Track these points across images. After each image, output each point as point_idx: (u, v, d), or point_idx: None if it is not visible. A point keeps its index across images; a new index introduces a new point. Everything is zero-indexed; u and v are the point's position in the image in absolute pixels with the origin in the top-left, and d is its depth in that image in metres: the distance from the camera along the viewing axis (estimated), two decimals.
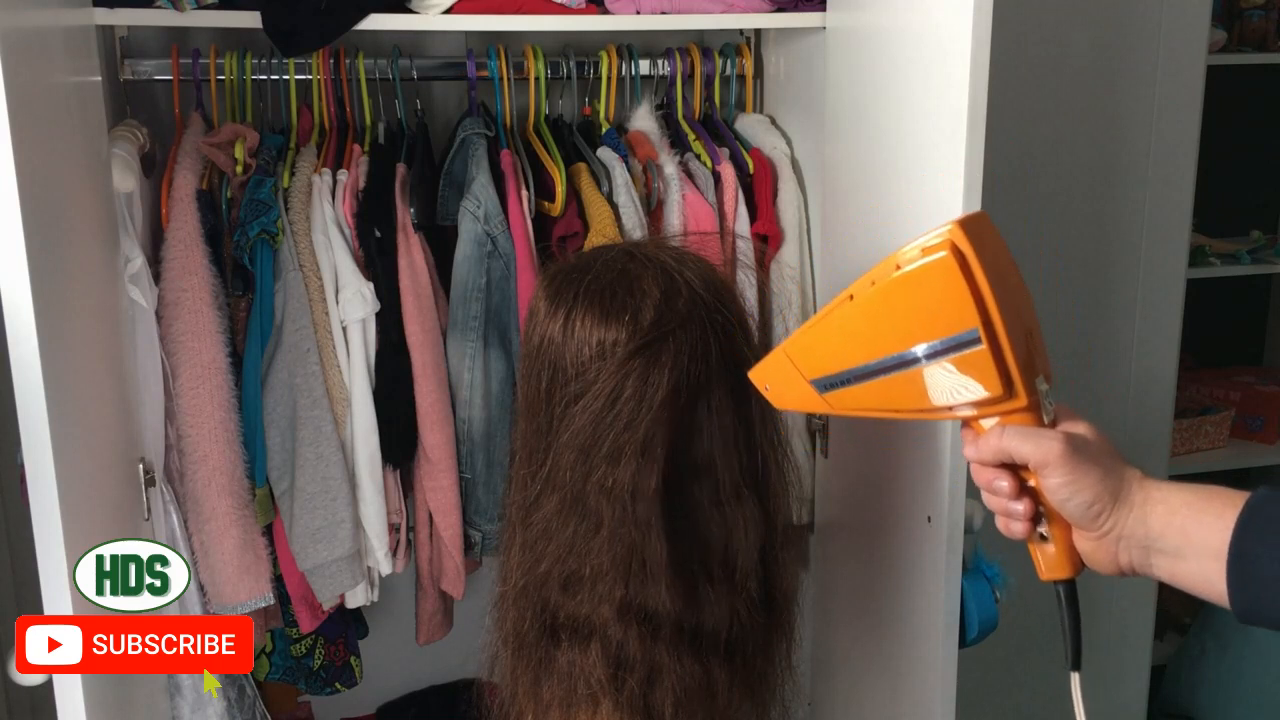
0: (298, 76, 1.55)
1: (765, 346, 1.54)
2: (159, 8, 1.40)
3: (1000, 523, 0.79)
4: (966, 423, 0.78)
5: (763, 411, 0.93)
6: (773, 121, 1.69)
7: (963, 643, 1.25)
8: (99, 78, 1.37)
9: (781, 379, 0.83)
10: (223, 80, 1.54)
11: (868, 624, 1.44)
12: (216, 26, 1.44)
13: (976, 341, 0.71)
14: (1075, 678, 0.79)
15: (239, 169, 1.44)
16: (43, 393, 0.94)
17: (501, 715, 0.96)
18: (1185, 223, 2.06)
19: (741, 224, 1.56)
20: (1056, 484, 0.74)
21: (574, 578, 0.89)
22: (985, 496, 0.79)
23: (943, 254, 0.70)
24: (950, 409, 0.76)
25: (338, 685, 1.66)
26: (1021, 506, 0.77)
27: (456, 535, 1.51)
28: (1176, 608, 2.49)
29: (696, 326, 0.88)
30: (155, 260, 1.40)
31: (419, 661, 1.90)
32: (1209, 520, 0.72)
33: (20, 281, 0.92)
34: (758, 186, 1.58)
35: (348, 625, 1.65)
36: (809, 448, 1.55)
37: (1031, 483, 0.76)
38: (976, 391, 0.74)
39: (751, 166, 1.58)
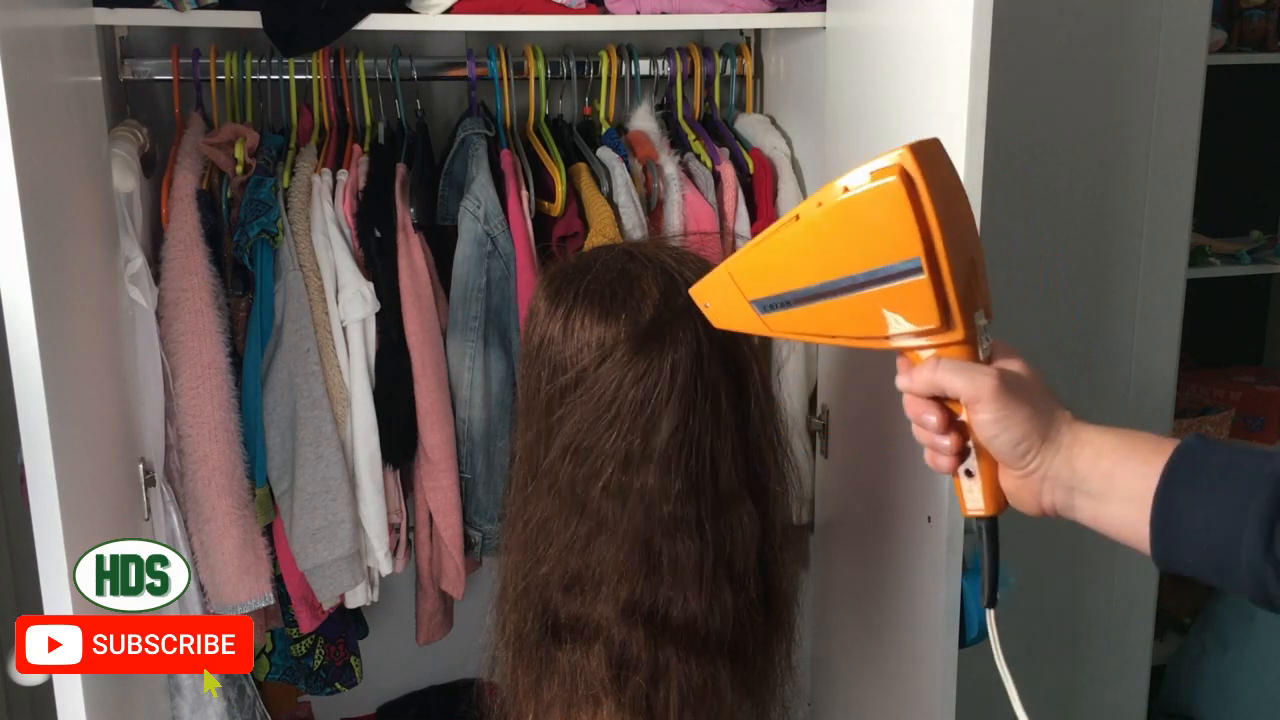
0: (298, 76, 1.55)
1: (765, 346, 1.54)
2: (159, 8, 1.40)
3: (927, 455, 0.79)
4: (902, 352, 0.77)
5: (762, 411, 0.93)
6: (773, 121, 1.69)
7: (963, 643, 1.25)
8: (99, 78, 1.37)
9: (722, 297, 0.82)
10: (223, 80, 1.54)
11: (868, 624, 1.44)
12: (216, 26, 1.44)
13: (918, 271, 0.70)
14: (990, 615, 0.79)
15: (239, 169, 1.44)
16: (43, 393, 0.94)
17: (502, 715, 0.96)
18: (1185, 223, 2.06)
19: (741, 224, 1.56)
20: (986, 420, 0.74)
21: (575, 578, 0.89)
22: (915, 429, 0.78)
23: (891, 179, 0.69)
24: (887, 338, 0.75)
25: (338, 685, 1.66)
26: (949, 441, 0.76)
27: (456, 535, 1.52)
28: (1177, 608, 2.49)
29: (696, 326, 0.88)
30: (155, 260, 1.40)
31: (419, 661, 1.90)
32: (1135, 465, 0.71)
33: (20, 281, 0.92)
34: (758, 186, 1.58)
35: (348, 625, 1.65)
36: (809, 448, 1.55)
37: (962, 417, 0.76)
38: (914, 321, 0.73)
39: (751, 166, 1.59)
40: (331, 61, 1.55)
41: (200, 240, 1.39)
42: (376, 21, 1.45)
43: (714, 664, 0.89)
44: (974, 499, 0.78)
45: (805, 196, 1.59)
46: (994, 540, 0.79)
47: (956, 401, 0.75)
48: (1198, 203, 2.05)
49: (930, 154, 0.71)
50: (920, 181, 0.69)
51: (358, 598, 1.52)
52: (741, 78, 1.69)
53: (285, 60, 1.53)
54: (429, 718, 1.98)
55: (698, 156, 1.60)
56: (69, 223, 1.12)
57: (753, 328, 0.81)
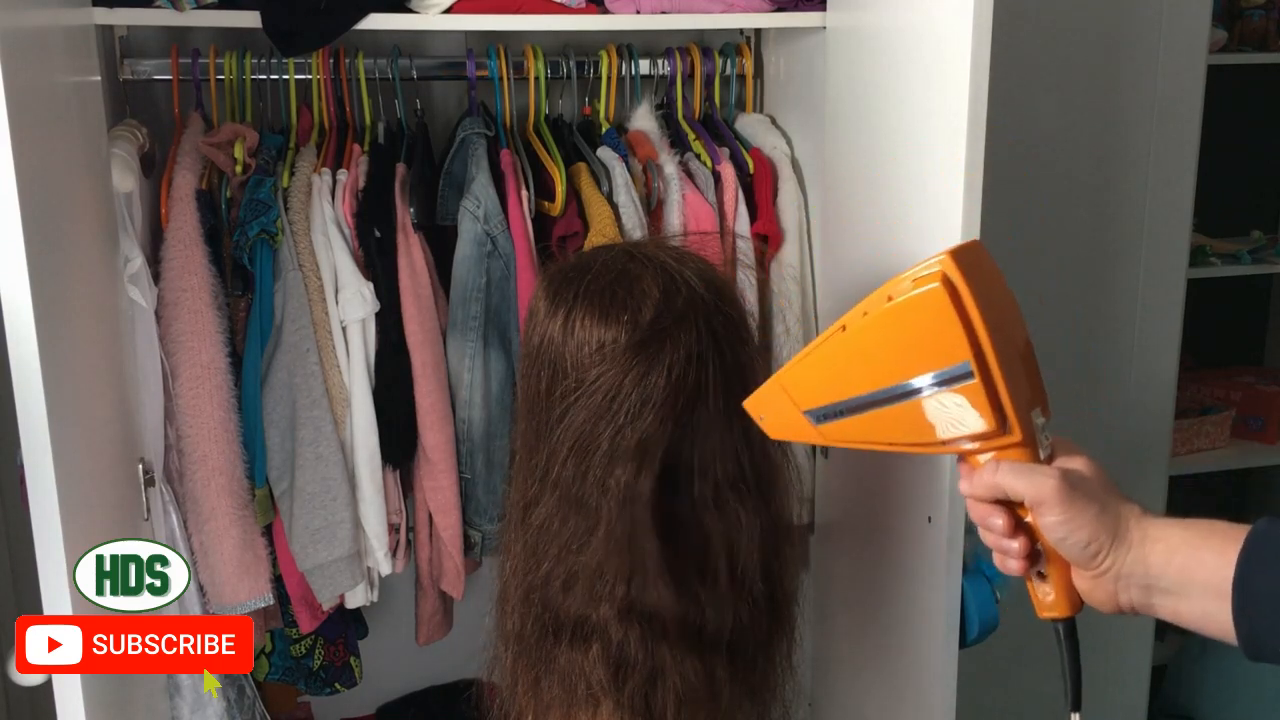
0: (297, 76, 1.55)
1: (765, 346, 1.54)
2: (159, 7, 1.40)
3: (997, 559, 0.77)
4: (963, 457, 0.77)
5: None
6: (773, 121, 1.69)
7: (963, 643, 1.25)
8: (99, 77, 1.37)
9: (776, 409, 0.82)
10: (222, 80, 1.54)
11: (868, 624, 1.44)
12: (216, 26, 1.44)
13: (969, 375, 0.70)
14: (1075, 719, 0.78)
15: (238, 169, 1.44)
16: (42, 393, 0.94)
17: (501, 715, 0.96)
18: (1185, 223, 2.06)
19: (741, 224, 1.56)
20: (1052, 522, 0.73)
21: (575, 577, 0.89)
22: (981, 532, 0.77)
23: (934, 285, 0.69)
24: (944, 443, 0.75)
25: (337, 685, 1.66)
26: (1017, 544, 0.75)
27: (456, 535, 1.51)
28: None
29: (696, 326, 0.87)
30: (155, 260, 1.40)
31: (419, 662, 1.90)
32: (1209, 558, 0.70)
33: (20, 281, 0.92)
34: (758, 186, 1.58)
35: (347, 625, 1.65)
36: (809, 448, 1.55)
37: (1028, 519, 0.75)
38: (970, 425, 0.72)
39: (751, 166, 1.58)
40: (331, 61, 1.54)
41: (200, 240, 1.39)
42: (376, 21, 1.44)
43: (713, 663, 0.89)
44: (1048, 602, 0.77)
45: (805, 197, 1.59)
46: (1074, 643, 0.78)
47: (1021, 504, 0.74)
48: (1198, 203, 2.05)
49: (971, 256, 0.71)
50: (963, 285, 0.69)
51: (357, 598, 1.52)
52: (741, 77, 1.69)
53: (285, 60, 1.53)
54: (429, 718, 1.98)
55: (698, 156, 1.59)
56: (68, 223, 1.12)
57: (809, 438, 0.81)
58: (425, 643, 1.62)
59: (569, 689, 0.89)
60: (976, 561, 1.30)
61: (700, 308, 0.88)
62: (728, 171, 1.56)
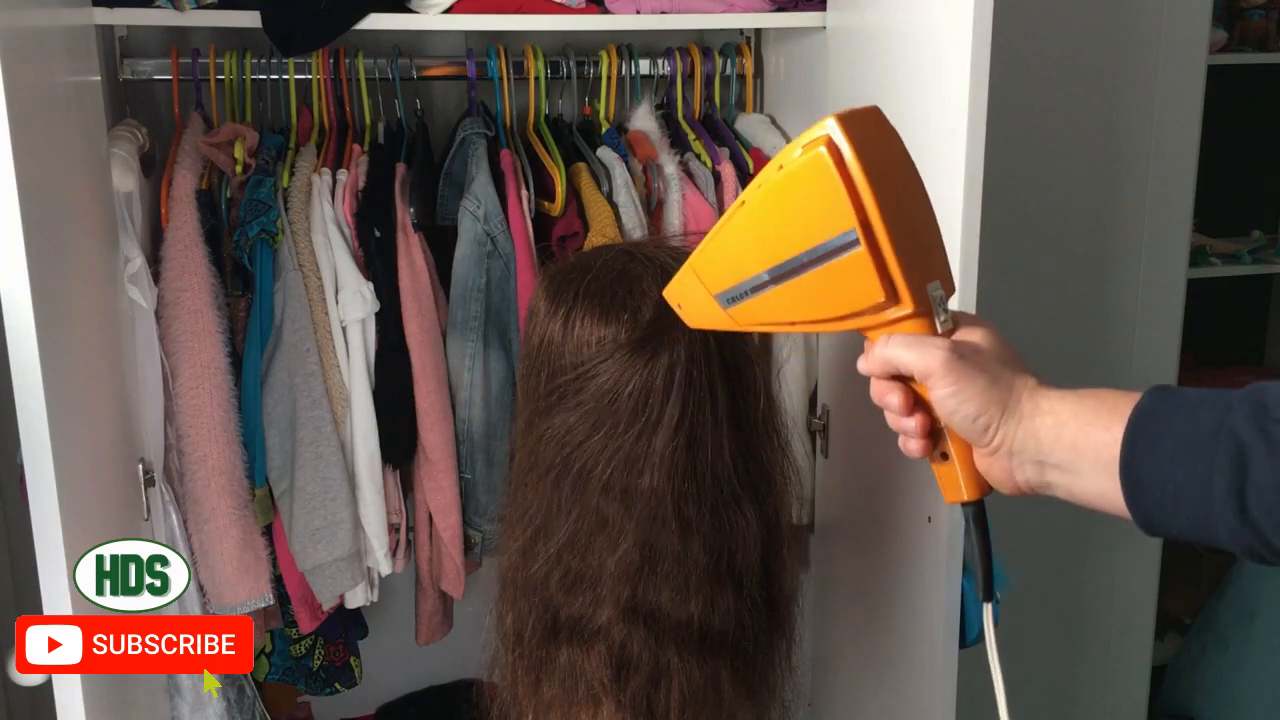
0: (297, 76, 1.55)
1: (764, 346, 1.54)
2: (159, 7, 1.40)
3: (900, 441, 0.75)
4: (864, 336, 0.74)
5: (763, 411, 0.93)
6: (773, 121, 1.69)
7: (963, 643, 1.25)
8: (99, 77, 1.36)
9: (691, 296, 0.80)
10: (222, 80, 1.53)
11: (868, 624, 1.44)
12: (216, 26, 1.44)
13: (855, 244, 0.68)
14: (987, 609, 0.75)
15: (238, 169, 1.44)
16: (42, 393, 0.94)
17: (501, 716, 0.96)
18: (1185, 223, 2.06)
19: None
20: (941, 395, 0.70)
21: (575, 578, 0.89)
22: (885, 415, 0.75)
23: (819, 150, 0.67)
24: (842, 319, 0.73)
25: (337, 685, 1.66)
26: (914, 422, 0.73)
27: (456, 536, 1.51)
28: (1177, 608, 2.49)
29: None
30: (155, 260, 1.40)
31: (419, 662, 1.90)
32: (1096, 434, 0.67)
33: (20, 282, 0.92)
34: None
35: (347, 626, 1.65)
36: (809, 448, 1.55)
37: (926, 398, 0.72)
38: (862, 298, 0.70)
39: (752, 166, 1.58)
40: (331, 61, 1.54)
41: (199, 240, 1.39)
42: (376, 21, 1.44)
43: (715, 664, 0.89)
44: (953, 484, 0.75)
45: None
46: (982, 527, 0.75)
47: (918, 382, 0.72)
48: (1198, 203, 2.05)
49: (866, 122, 0.69)
50: (850, 151, 0.67)
51: (357, 598, 1.52)
52: (741, 77, 1.69)
53: (285, 60, 1.53)
54: (429, 718, 1.98)
55: (698, 156, 1.60)
56: (68, 222, 1.12)
57: (721, 323, 0.79)
58: (425, 643, 1.62)
59: (569, 689, 0.89)
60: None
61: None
62: (728, 171, 1.56)
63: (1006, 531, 1.16)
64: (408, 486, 1.55)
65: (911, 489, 1.27)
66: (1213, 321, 2.45)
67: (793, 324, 0.75)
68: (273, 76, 1.54)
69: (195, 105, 1.55)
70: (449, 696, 1.98)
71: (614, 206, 1.49)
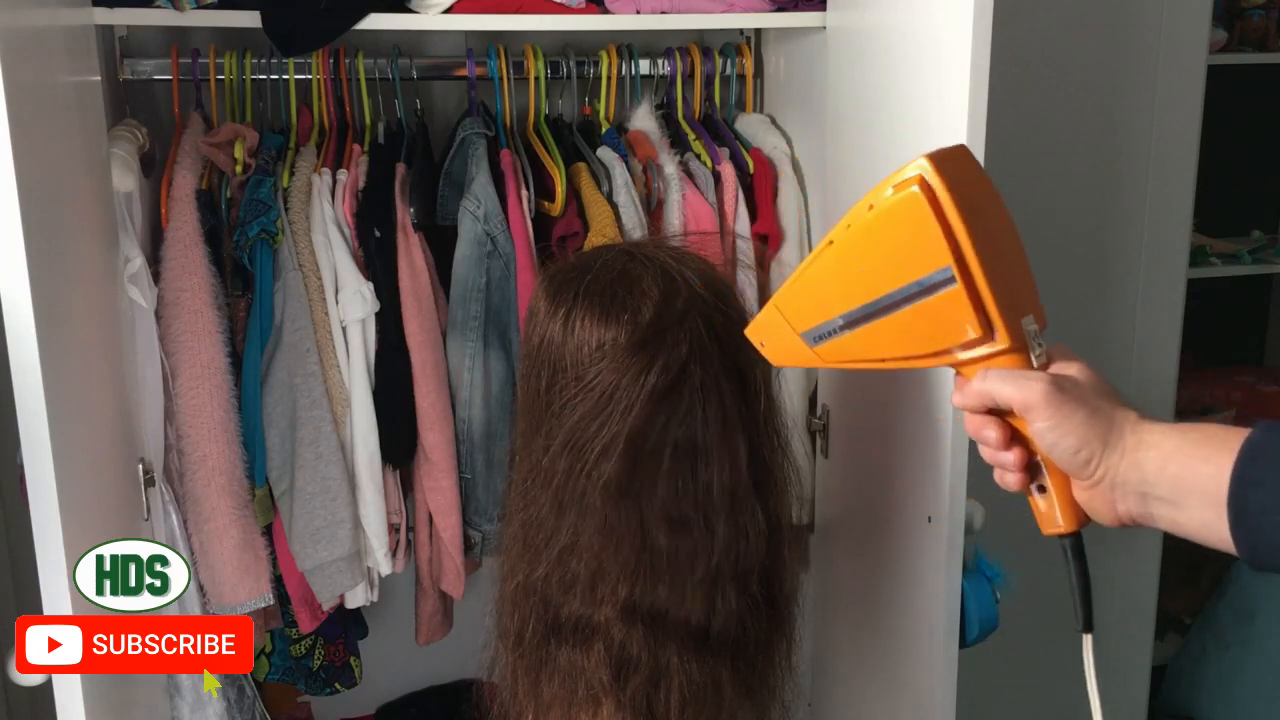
0: (297, 76, 1.55)
1: None
2: (159, 7, 1.40)
3: (996, 475, 0.76)
4: (957, 371, 0.75)
5: (763, 411, 0.93)
6: (773, 121, 1.69)
7: (963, 643, 1.25)
8: (98, 77, 1.37)
9: (775, 334, 0.81)
10: (222, 80, 1.53)
11: (868, 624, 1.44)
12: (216, 26, 1.44)
13: (950, 281, 0.69)
14: (1087, 640, 0.75)
15: (238, 169, 1.44)
16: (42, 393, 0.94)
17: (501, 716, 0.96)
18: (1185, 223, 2.06)
19: (741, 224, 1.56)
20: (1041, 428, 0.71)
21: (575, 578, 0.89)
22: (981, 450, 0.76)
23: (912, 189, 0.68)
24: (935, 355, 0.73)
25: (337, 685, 1.66)
26: (1012, 456, 0.73)
27: (456, 535, 1.51)
28: (1177, 608, 2.49)
29: (696, 326, 0.87)
30: (155, 260, 1.40)
31: (419, 662, 1.90)
32: (1204, 468, 0.67)
33: (20, 282, 0.92)
34: (758, 186, 1.58)
35: (347, 625, 1.65)
36: (809, 448, 1.55)
37: (1025, 433, 0.73)
38: (957, 334, 0.71)
39: (752, 166, 1.58)
40: (331, 61, 1.54)
41: (200, 240, 1.39)
42: (376, 21, 1.44)
43: (715, 664, 0.89)
44: (1049, 517, 0.75)
45: (805, 197, 1.59)
46: (1080, 559, 0.75)
47: (1013, 414, 0.73)
48: (1198, 203, 2.05)
49: (954, 160, 0.70)
50: (941, 187, 0.68)
51: (357, 598, 1.52)
52: (741, 77, 1.69)
53: (285, 60, 1.53)
54: (429, 718, 1.98)
55: (698, 156, 1.59)
56: (68, 222, 1.12)
57: (808, 361, 0.79)
58: (425, 643, 1.62)
59: (569, 689, 0.89)
60: (977, 561, 1.30)
61: (700, 307, 0.88)
62: (728, 171, 1.56)
63: (1006, 531, 1.16)
64: (408, 486, 1.55)
65: (911, 489, 1.27)
66: (1213, 321, 2.45)
67: (883, 361, 0.76)
68: (273, 76, 1.54)
69: (195, 105, 1.55)
70: (449, 696, 1.98)
71: (614, 206, 1.49)
